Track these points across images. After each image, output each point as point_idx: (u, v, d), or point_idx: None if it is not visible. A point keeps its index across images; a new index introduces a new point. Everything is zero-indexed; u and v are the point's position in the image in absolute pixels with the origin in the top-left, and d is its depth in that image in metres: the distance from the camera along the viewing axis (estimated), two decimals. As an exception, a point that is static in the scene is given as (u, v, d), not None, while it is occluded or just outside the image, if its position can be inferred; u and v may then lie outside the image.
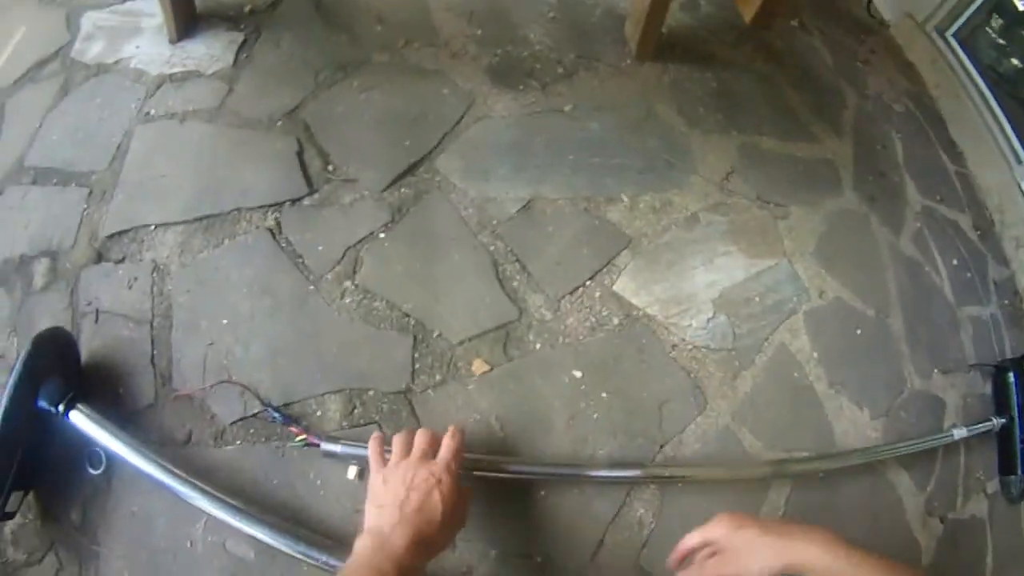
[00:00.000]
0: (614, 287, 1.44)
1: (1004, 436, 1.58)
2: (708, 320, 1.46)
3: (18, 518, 1.11)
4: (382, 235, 1.40)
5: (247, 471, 1.18)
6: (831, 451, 1.41)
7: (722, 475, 1.30)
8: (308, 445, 1.16)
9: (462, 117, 1.59)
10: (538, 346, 1.34)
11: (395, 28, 1.73)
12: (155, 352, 1.26)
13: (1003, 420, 1.57)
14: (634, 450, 1.28)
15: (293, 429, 1.18)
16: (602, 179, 1.58)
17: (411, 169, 1.49)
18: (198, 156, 1.48)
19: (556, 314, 1.38)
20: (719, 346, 1.43)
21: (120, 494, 1.14)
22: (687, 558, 0.99)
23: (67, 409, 1.10)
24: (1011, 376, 1.60)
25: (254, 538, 1.06)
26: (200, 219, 1.39)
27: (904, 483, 1.45)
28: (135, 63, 1.65)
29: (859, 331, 1.58)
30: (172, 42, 1.67)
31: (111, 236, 1.37)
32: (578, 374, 1.32)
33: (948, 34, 2.25)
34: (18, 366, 1.05)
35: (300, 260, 1.35)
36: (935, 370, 1.61)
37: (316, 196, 1.43)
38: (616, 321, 1.40)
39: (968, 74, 2.15)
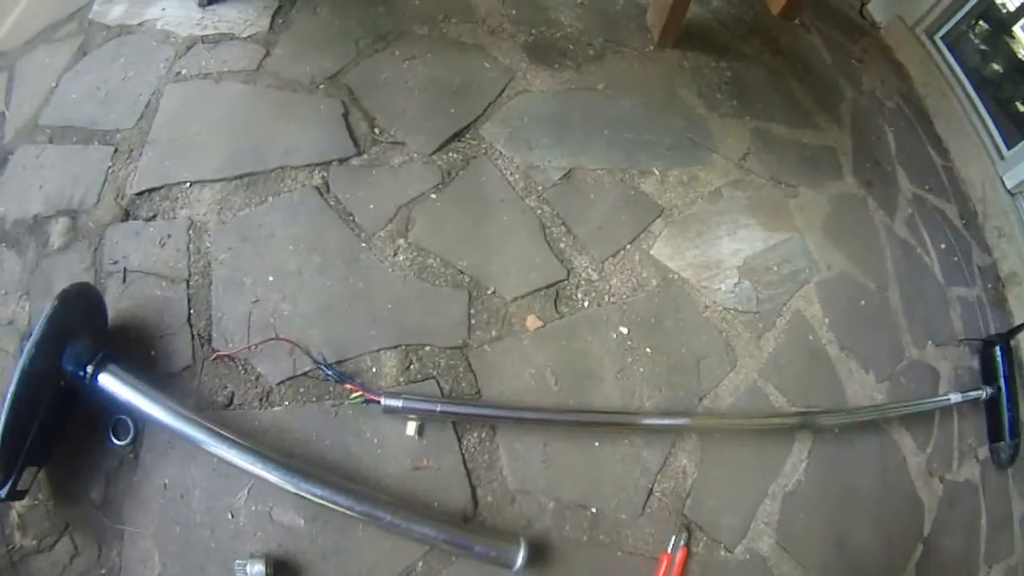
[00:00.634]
0: (651, 251, 1.52)
1: (992, 406, 1.73)
2: (735, 285, 1.56)
3: (27, 500, 1.02)
4: (433, 196, 1.43)
5: (296, 432, 1.15)
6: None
7: (758, 424, 1.39)
8: (367, 402, 1.15)
9: (504, 89, 1.65)
10: (586, 304, 1.40)
11: (432, 2, 1.77)
12: (192, 312, 1.23)
13: (991, 390, 1.71)
14: (677, 402, 1.36)
15: (349, 386, 1.16)
16: (635, 153, 1.67)
17: (458, 135, 1.53)
18: (235, 115, 1.47)
19: (601, 275, 1.44)
20: (745, 308, 1.53)
21: (149, 466, 1.08)
22: None
23: (96, 371, 1.00)
24: (998, 350, 1.76)
25: (304, 504, 1.02)
26: (241, 176, 1.38)
27: (907, 443, 1.58)
28: (161, 24, 1.62)
29: (863, 302, 1.72)
30: (201, 6, 1.65)
31: (140, 193, 1.34)
32: (624, 330, 1.39)
33: (937, 37, 2.43)
34: (43, 322, 0.94)
35: (351, 218, 1.36)
36: (929, 342, 1.77)
37: (364, 157, 1.45)
38: (655, 283, 1.48)
39: (954, 75, 2.34)
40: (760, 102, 1.95)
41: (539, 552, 1.14)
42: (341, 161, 1.43)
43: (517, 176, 1.52)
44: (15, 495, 0.95)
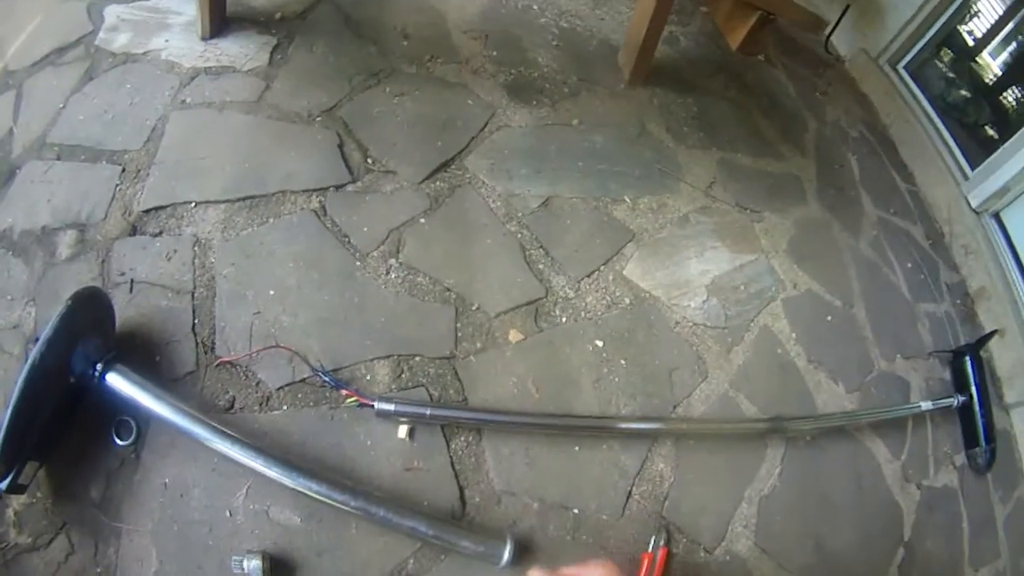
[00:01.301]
0: (624, 272, 1.64)
1: (965, 413, 1.81)
2: (703, 302, 1.68)
3: (25, 497, 1.05)
4: (422, 220, 1.54)
5: (294, 435, 1.21)
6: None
7: (729, 428, 1.48)
8: (361, 406, 1.23)
9: (486, 124, 1.79)
10: (564, 320, 1.50)
11: (420, 44, 1.92)
12: (196, 321, 1.29)
13: (963, 398, 1.80)
14: (651, 410, 1.46)
15: (345, 391, 1.24)
16: (608, 183, 1.81)
17: (444, 166, 1.66)
18: (238, 142, 1.56)
19: (577, 293, 1.56)
20: (714, 324, 1.65)
21: (150, 465, 1.13)
22: None
23: (105, 370, 1.05)
24: (968, 359, 1.86)
25: (301, 503, 1.07)
26: (243, 199, 1.46)
27: (881, 451, 1.68)
28: (165, 55, 1.71)
29: (829, 318, 1.84)
30: (203, 39, 1.75)
31: (147, 211, 1.41)
32: (600, 343, 1.49)
33: (900, 66, 2.59)
34: (55, 320, 0.98)
35: (346, 239, 1.46)
36: (898, 355, 1.89)
37: (359, 184, 1.56)
38: (628, 301, 1.59)
39: (918, 102, 2.48)
40: (726, 134, 2.12)
41: (525, 549, 1.20)
42: (337, 187, 1.54)
43: (499, 203, 1.64)
44: (16, 488, 0.97)
